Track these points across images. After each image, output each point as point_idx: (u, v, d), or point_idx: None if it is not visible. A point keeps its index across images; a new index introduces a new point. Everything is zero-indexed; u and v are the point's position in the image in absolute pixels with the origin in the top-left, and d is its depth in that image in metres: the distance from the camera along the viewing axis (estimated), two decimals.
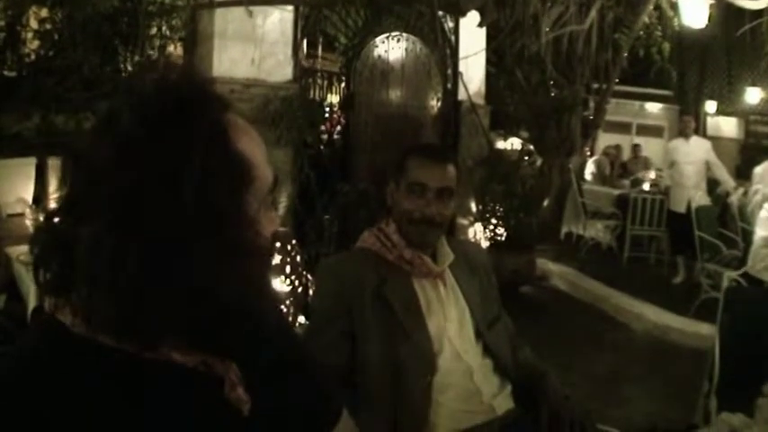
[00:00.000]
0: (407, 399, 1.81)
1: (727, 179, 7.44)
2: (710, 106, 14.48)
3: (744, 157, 13.20)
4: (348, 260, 2.10)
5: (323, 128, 7.20)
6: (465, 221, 7.34)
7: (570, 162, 8.67)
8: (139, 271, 0.79)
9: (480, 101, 8.00)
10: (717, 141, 9.45)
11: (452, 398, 1.84)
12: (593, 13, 7.47)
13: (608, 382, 4.62)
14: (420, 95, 7.47)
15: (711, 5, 6.44)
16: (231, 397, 0.91)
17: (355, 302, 1.88)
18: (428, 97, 7.54)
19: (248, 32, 6.18)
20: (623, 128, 14.59)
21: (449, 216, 2.00)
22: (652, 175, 10.11)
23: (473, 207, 7.42)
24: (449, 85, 7.58)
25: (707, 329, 4.50)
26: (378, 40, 7.10)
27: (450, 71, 7.60)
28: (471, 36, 7.50)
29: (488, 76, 8.24)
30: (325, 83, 7.29)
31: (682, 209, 6.97)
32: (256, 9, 6.16)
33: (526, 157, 8.53)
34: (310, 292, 4.06)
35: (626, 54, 8.22)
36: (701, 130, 12.62)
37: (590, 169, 10.79)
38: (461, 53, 7.54)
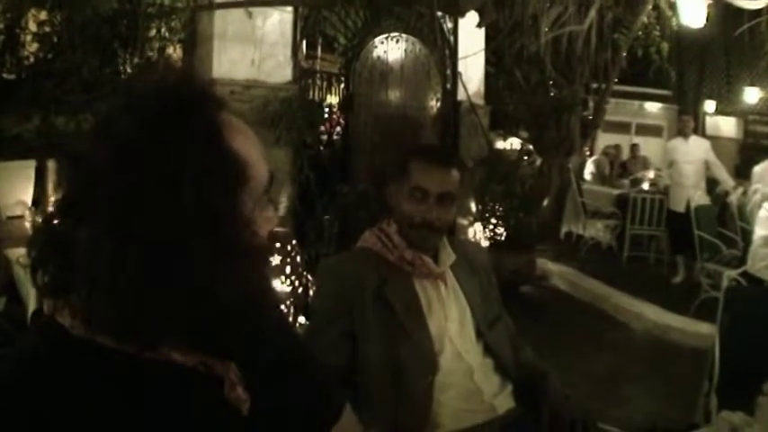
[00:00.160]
0: (408, 398, 1.82)
1: (726, 179, 7.44)
2: (709, 106, 14.47)
3: (743, 156, 13.18)
4: (349, 260, 2.10)
5: (322, 128, 7.22)
6: (465, 221, 7.34)
7: (570, 162, 8.68)
8: (138, 272, 0.79)
9: (480, 101, 8.00)
10: (716, 141, 9.45)
11: (453, 397, 1.85)
12: (593, 13, 7.48)
13: (608, 382, 4.62)
14: (419, 96, 7.48)
15: (710, 5, 6.45)
16: (231, 397, 0.91)
17: (356, 303, 1.88)
18: (427, 98, 7.55)
19: (248, 34, 6.18)
20: (622, 127, 14.58)
21: (450, 220, 1.99)
22: (651, 174, 10.11)
23: (473, 207, 7.42)
24: (448, 86, 7.58)
25: (707, 329, 4.50)
26: (377, 40, 7.10)
27: (449, 71, 7.60)
28: (470, 36, 7.50)
29: (488, 76, 8.24)
30: (325, 84, 7.31)
31: (681, 208, 6.97)
32: (256, 10, 6.16)
33: (526, 157, 8.53)
34: (311, 292, 4.06)
35: (625, 54, 8.23)
36: (699, 130, 12.61)
37: (589, 169, 10.79)
38: (460, 53, 7.54)
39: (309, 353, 1.22)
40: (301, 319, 3.96)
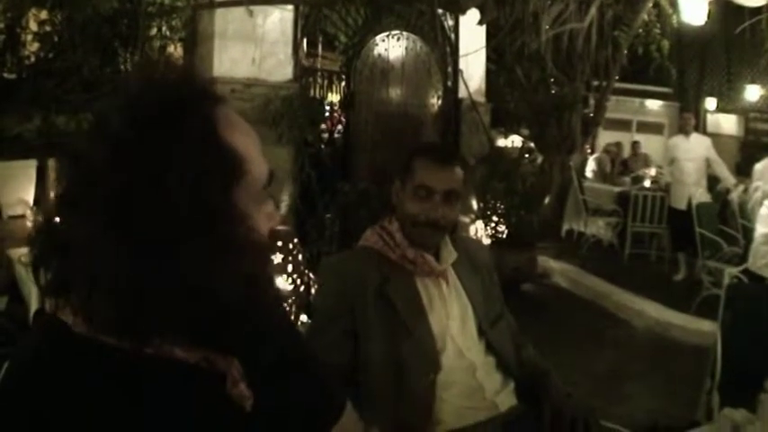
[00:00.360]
0: (410, 396, 1.82)
1: (727, 176, 7.43)
2: (710, 103, 14.46)
3: (744, 154, 13.18)
4: (350, 259, 2.10)
5: (323, 127, 7.22)
6: (466, 219, 7.34)
7: (571, 159, 8.68)
8: (135, 271, 0.79)
9: (481, 98, 8.00)
10: (717, 138, 9.44)
11: (455, 395, 1.85)
12: (593, 11, 7.48)
13: (609, 379, 4.62)
14: (420, 94, 7.48)
15: (710, 2, 6.44)
16: (233, 393, 0.91)
17: (358, 301, 1.88)
18: (428, 95, 7.55)
19: (248, 32, 6.18)
20: (623, 125, 14.58)
21: (454, 219, 1.99)
22: (652, 172, 10.11)
23: (474, 205, 7.42)
24: (449, 83, 7.58)
25: (708, 326, 4.51)
26: (378, 38, 7.10)
27: (450, 69, 7.60)
28: (471, 34, 7.50)
29: (489, 73, 8.25)
30: (326, 82, 7.30)
31: (682, 206, 6.97)
32: (256, 9, 6.16)
33: (527, 155, 8.54)
34: (312, 290, 4.07)
35: (625, 51, 8.23)
36: (700, 128, 12.62)
37: (591, 166, 10.79)
38: (461, 51, 7.55)
39: (311, 351, 1.21)
40: (303, 318, 3.96)
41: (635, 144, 12.39)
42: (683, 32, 9.49)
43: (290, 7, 6.48)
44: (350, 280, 1.92)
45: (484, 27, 7.48)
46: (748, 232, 5.74)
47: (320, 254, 5.41)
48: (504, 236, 7.16)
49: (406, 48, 7.28)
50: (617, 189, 9.23)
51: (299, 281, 4.08)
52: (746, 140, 14.15)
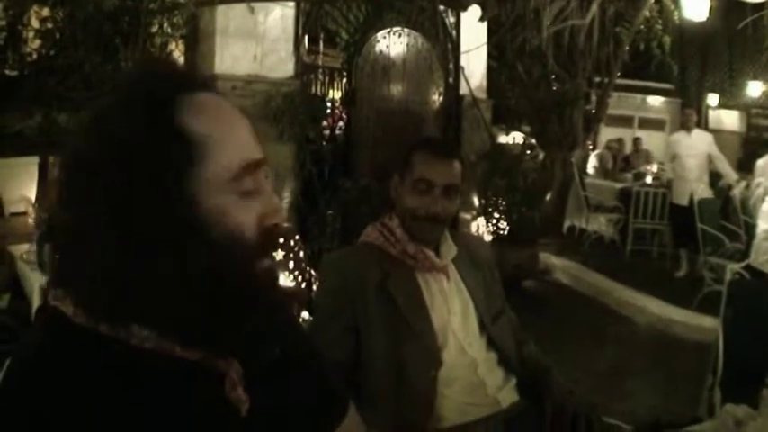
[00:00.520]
0: (412, 392, 1.82)
1: (729, 172, 7.43)
2: (712, 99, 14.45)
3: (745, 150, 13.19)
4: (351, 255, 2.10)
5: (325, 123, 7.21)
6: (468, 216, 7.35)
7: (572, 156, 8.69)
8: (117, 263, 0.80)
9: (482, 95, 8.00)
10: (718, 134, 9.44)
11: (457, 391, 1.85)
12: (595, 7, 7.48)
13: (611, 376, 4.62)
14: (422, 90, 7.47)
15: None
16: (231, 396, 0.90)
17: (359, 297, 1.88)
18: (430, 92, 7.54)
19: (250, 29, 6.18)
20: (625, 121, 14.58)
21: (453, 212, 2.00)
22: (654, 168, 10.11)
23: (476, 202, 7.42)
24: (450, 80, 7.58)
25: (710, 322, 4.50)
26: (379, 35, 7.10)
27: (451, 66, 7.59)
28: (472, 30, 7.50)
29: (490, 70, 8.24)
30: (327, 79, 7.28)
31: (684, 202, 6.96)
32: (258, 6, 6.16)
33: (528, 152, 8.55)
34: (314, 287, 4.07)
35: (627, 48, 8.24)
36: (702, 124, 12.61)
37: (592, 163, 10.80)
38: (463, 48, 7.54)
39: (316, 351, 1.19)
40: (305, 315, 3.97)
41: (636, 140, 12.39)
42: (684, 28, 9.49)
43: (292, 4, 6.48)
44: (351, 276, 1.92)
45: (485, 24, 7.48)
46: (750, 228, 5.74)
47: (321, 251, 5.41)
48: (506, 232, 7.16)
49: (408, 44, 7.27)
50: (618, 185, 9.22)
51: (300, 278, 4.09)
52: (748, 136, 14.16)
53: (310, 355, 1.15)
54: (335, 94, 7.47)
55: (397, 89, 7.28)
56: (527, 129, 9.12)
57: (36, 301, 3.88)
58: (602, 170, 10.62)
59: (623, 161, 11.67)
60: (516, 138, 9.93)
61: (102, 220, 0.81)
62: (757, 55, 12.23)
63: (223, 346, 0.90)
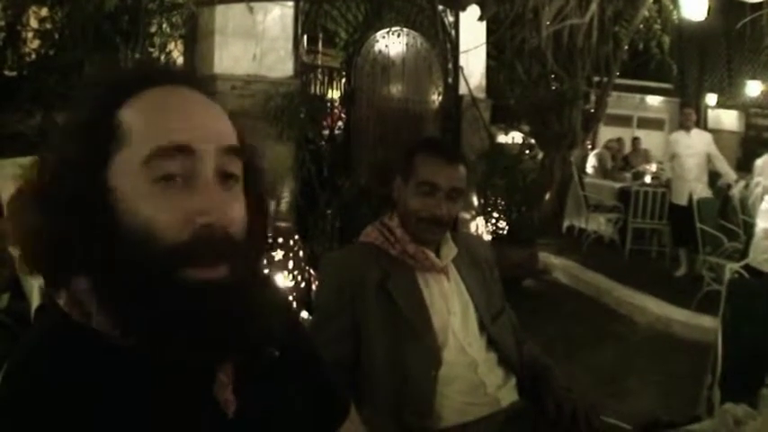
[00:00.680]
0: (412, 393, 1.82)
1: (728, 171, 7.44)
2: (711, 99, 14.45)
3: (744, 149, 13.20)
4: (351, 255, 2.10)
5: (324, 123, 7.20)
6: (467, 215, 7.35)
7: (571, 155, 8.70)
8: (100, 258, 0.82)
9: (481, 95, 7.99)
10: (717, 134, 9.45)
11: (457, 390, 1.85)
12: (594, 7, 7.48)
13: (610, 375, 4.63)
14: (421, 90, 7.46)
15: None
16: (219, 397, 0.90)
17: (358, 297, 1.88)
18: (429, 92, 7.54)
19: (249, 29, 6.18)
20: (624, 121, 14.59)
21: (456, 215, 2.00)
22: (653, 167, 10.11)
23: (475, 201, 7.42)
24: (449, 80, 7.58)
25: (709, 322, 4.51)
26: (378, 35, 7.09)
27: (450, 65, 7.59)
28: (471, 30, 7.49)
29: (489, 69, 8.24)
30: (326, 78, 7.28)
31: (683, 201, 6.96)
32: (257, 5, 6.16)
33: (527, 151, 8.56)
34: (313, 287, 4.07)
35: (626, 47, 8.24)
36: (701, 123, 12.60)
37: (591, 162, 10.79)
38: (462, 47, 7.54)
39: (317, 351, 1.19)
40: (304, 315, 3.97)
41: (635, 140, 12.40)
42: (683, 28, 9.50)
43: (291, 4, 6.47)
44: (350, 276, 1.92)
45: (484, 23, 7.48)
46: (749, 228, 5.74)
47: (321, 250, 5.41)
48: (505, 232, 7.16)
49: (407, 44, 7.26)
50: (618, 185, 9.22)
51: (299, 277, 4.09)
52: (747, 136, 14.16)
53: (311, 357, 1.15)
54: (335, 94, 7.47)
55: (396, 89, 7.27)
56: (526, 128, 9.12)
57: (35, 301, 3.87)
58: (601, 170, 10.61)
59: (622, 161, 11.67)
60: (515, 137, 9.93)
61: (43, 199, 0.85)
62: (756, 54, 12.25)
63: (217, 347, 0.86)
